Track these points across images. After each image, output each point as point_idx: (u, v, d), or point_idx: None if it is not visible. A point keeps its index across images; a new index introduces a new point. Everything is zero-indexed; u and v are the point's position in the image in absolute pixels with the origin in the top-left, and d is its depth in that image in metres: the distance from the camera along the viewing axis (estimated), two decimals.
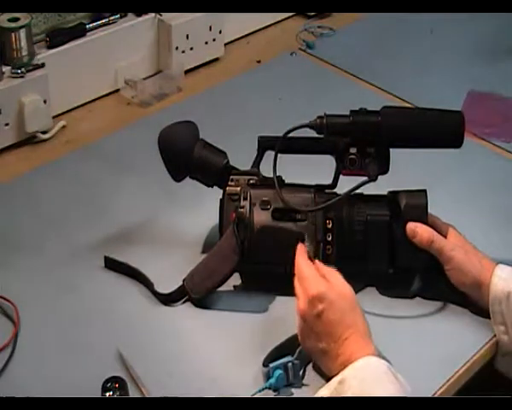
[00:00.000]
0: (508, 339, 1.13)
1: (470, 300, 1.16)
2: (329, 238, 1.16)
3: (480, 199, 1.37)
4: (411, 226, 1.14)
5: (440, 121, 1.17)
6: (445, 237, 1.16)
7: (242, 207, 1.14)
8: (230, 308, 1.16)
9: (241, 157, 1.21)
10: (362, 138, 1.15)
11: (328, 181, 1.19)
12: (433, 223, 1.17)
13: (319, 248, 1.15)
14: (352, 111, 1.16)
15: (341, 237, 1.16)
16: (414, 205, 1.16)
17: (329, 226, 1.16)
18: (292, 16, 1.87)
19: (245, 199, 1.14)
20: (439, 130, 1.16)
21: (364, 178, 1.13)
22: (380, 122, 1.15)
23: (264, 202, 1.16)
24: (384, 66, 1.72)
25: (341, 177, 1.18)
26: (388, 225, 1.16)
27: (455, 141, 1.16)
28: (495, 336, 1.14)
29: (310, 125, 1.15)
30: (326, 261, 1.16)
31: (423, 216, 1.15)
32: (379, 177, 1.14)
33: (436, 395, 1.07)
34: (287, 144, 1.16)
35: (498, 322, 1.13)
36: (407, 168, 1.31)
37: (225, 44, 1.73)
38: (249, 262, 1.15)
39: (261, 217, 1.15)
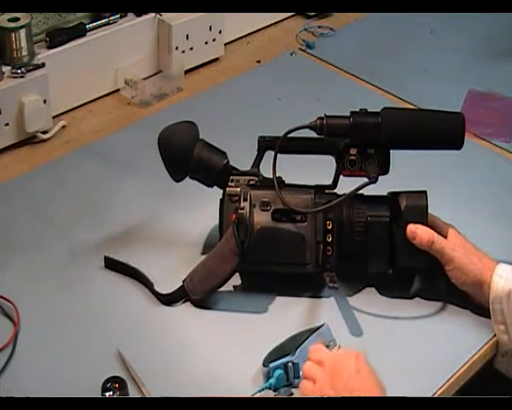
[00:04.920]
0: (507, 339, 1.13)
1: (471, 299, 1.16)
2: (329, 239, 1.16)
3: (480, 199, 1.37)
4: (411, 228, 1.14)
5: (441, 123, 1.16)
6: (446, 237, 1.16)
7: (242, 208, 1.13)
8: (230, 308, 1.16)
9: (241, 157, 1.21)
10: (362, 140, 1.15)
11: (328, 182, 1.19)
12: (434, 223, 1.17)
13: (319, 249, 1.15)
14: (352, 112, 1.16)
15: (341, 237, 1.16)
16: (414, 206, 1.15)
17: (329, 227, 1.16)
18: (292, 16, 1.87)
19: (245, 200, 1.14)
20: (440, 131, 1.16)
21: (365, 180, 1.13)
22: (380, 123, 1.14)
23: (264, 203, 1.16)
24: (384, 66, 1.72)
25: (341, 177, 1.18)
26: (388, 227, 1.16)
27: (455, 143, 1.16)
28: (494, 336, 1.14)
29: (310, 127, 1.15)
30: (326, 262, 1.16)
31: (423, 217, 1.15)
32: (379, 178, 1.14)
33: (436, 395, 1.07)
34: (287, 145, 1.16)
35: (499, 321, 1.13)
36: (407, 169, 1.31)
37: (225, 44, 1.73)
38: (249, 263, 1.15)
39: (261, 218, 1.15)
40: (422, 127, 1.16)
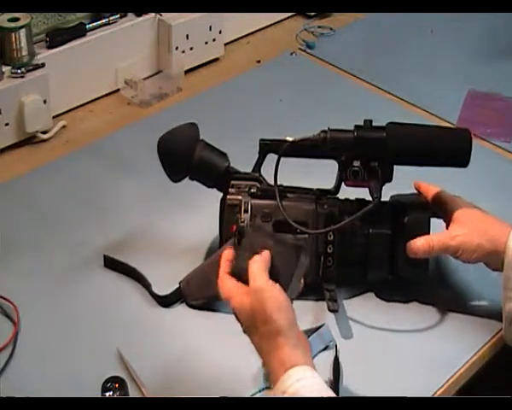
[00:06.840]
0: None
1: (490, 267, 1.14)
2: (330, 250, 1.15)
3: (480, 199, 1.37)
4: (410, 246, 1.13)
5: (447, 140, 1.15)
6: (455, 210, 1.14)
7: (243, 220, 1.13)
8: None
9: (241, 157, 1.21)
10: (366, 154, 1.13)
11: (330, 181, 1.18)
12: (443, 196, 1.17)
13: (320, 260, 1.15)
14: (356, 126, 1.14)
15: (342, 249, 1.15)
16: (416, 220, 1.14)
17: (330, 239, 1.15)
18: (292, 16, 1.87)
19: (246, 211, 1.14)
20: (446, 149, 1.14)
21: (368, 207, 1.11)
22: (384, 139, 1.13)
23: (265, 214, 1.15)
24: (384, 66, 1.71)
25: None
26: (390, 239, 1.15)
27: (462, 160, 1.14)
28: (494, 336, 1.14)
29: (313, 140, 1.13)
30: (326, 273, 1.15)
31: (426, 230, 1.14)
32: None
33: (436, 395, 1.07)
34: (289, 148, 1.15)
35: (509, 288, 1.09)
36: (407, 169, 1.30)
37: (225, 44, 1.73)
38: None
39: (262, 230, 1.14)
40: (428, 144, 1.14)
